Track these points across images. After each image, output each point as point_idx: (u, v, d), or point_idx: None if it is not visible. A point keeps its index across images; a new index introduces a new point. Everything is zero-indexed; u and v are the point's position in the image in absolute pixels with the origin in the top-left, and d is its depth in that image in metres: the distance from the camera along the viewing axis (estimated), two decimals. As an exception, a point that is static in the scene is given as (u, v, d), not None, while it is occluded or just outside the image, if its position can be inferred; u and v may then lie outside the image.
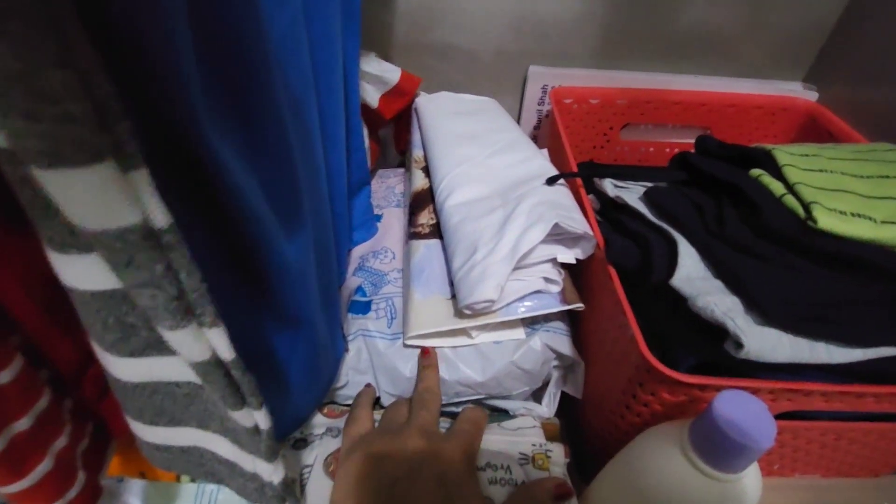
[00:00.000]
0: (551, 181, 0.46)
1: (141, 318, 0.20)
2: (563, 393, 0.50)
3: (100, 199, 0.14)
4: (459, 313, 0.44)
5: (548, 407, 0.51)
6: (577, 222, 0.42)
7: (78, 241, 0.18)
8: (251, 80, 0.20)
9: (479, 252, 0.43)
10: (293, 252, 0.24)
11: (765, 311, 0.30)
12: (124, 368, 0.24)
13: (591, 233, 0.41)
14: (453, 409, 0.50)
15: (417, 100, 0.62)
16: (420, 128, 0.60)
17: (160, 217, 0.15)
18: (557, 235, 0.43)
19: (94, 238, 0.15)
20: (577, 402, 0.49)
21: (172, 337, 0.18)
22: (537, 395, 0.52)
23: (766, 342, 0.29)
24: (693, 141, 0.67)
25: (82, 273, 0.19)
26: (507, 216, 0.44)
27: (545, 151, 0.56)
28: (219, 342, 0.18)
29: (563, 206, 0.43)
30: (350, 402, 0.49)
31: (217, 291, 0.19)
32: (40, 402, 0.24)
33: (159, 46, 0.15)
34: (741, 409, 0.29)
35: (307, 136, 0.30)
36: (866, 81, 0.57)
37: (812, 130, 0.62)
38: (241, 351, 0.23)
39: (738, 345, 0.29)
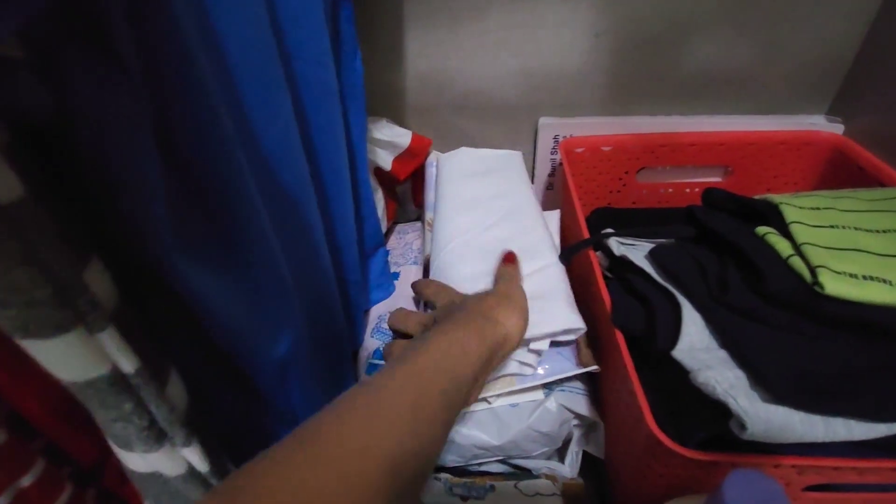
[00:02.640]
0: (565, 259, 0.47)
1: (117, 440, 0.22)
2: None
3: (68, 359, 0.16)
4: None
5: (570, 467, 0.50)
6: (557, 318, 0.43)
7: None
8: (232, 209, 0.22)
9: None
10: (282, 350, 0.25)
11: (771, 386, 0.28)
12: (136, 461, 0.26)
13: (573, 326, 0.43)
14: (475, 467, 0.50)
15: (440, 157, 0.64)
16: (435, 188, 0.61)
17: (126, 364, 0.17)
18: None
19: (69, 386, 0.18)
20: (603, 461, 0.48)
21: (148, 457, 0.19)
22: (562, 453, 0.51)
23: (773, 422, 0.28)
24: (715, 180, 0.67)
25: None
26: None
27: (554, 214, 0.56)
28: (193, 458, 0.20)
29: (542, 304, 0.43)
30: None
31: (206, 396, 0.21)
32: (62, 497, 0.26)
33: (131, 199, 0.17)
34: (753, 491, 0.27)
35: (303, 231, 0.31)
36: (894, 111, 0.55)
37: (840, 164, 0.59)
38: (236, 445, 0.25)
39: (742, 426, 0.28)
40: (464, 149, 0.65)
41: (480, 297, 0.38)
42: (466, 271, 0.48)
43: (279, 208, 0.27)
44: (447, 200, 0.57)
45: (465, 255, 0.50)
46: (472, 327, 0.32)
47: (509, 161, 0.64)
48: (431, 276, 0.51)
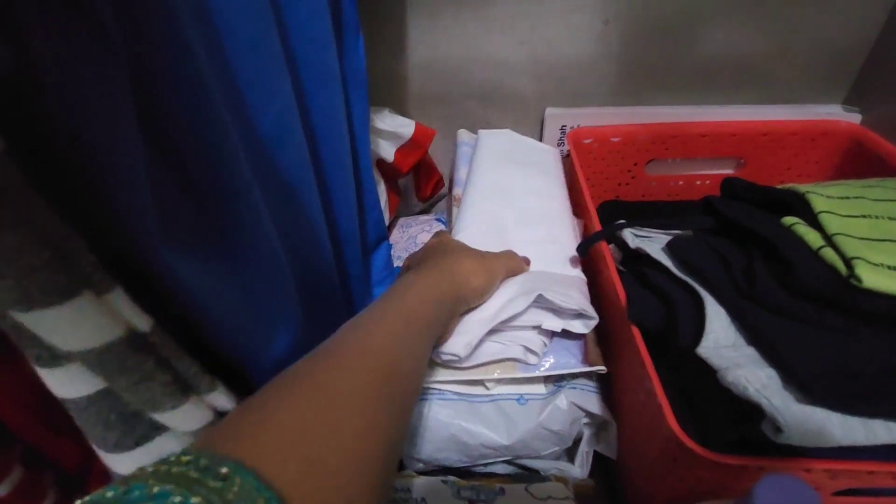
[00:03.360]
0: (582, 250, 0.45)
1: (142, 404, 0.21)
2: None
3: (81, 325, 0.15)
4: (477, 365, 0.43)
5: (581, 468, 0.48)
6: (574, 299, 0.41)
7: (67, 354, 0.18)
8: (225, 198, 0.20)
9: None
10: (279, 350, 0.23)
11: (807, 386, 0.26)
12: (129, 463, 0.25)
13: (588, 311, 0.41)
14: (481, 468, 0.48)
15: (481, 133, 0.62)
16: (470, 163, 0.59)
17: (142, 322, 0.17)
18: (550, 306, 0.43)
19: (80, 356, 0.16)
20: (615, 462, 0.46)
21: (172, 415, 0.19)
22: (571, 453, 0.49)
23: (810, 424, 0.26)
24: (727, 172, 0.65)
25: (75, 381, 0.20)
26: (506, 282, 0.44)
27: (579, 223, 0.54)
28: (220, 400, 0.20)
29: (561, 287, 0.43)
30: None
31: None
32: None
33: (115, 183, 0.15)
34: (787, 497, 0.26)
35: (303, 222, 0.29)
36: (915, 100, 0.53)
37: (858, 155, 0.57)
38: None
39: (777, 428, 0.26)
40: (508, 130, 0.63)
41: (461, 256, 0.41)
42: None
43: (277, 198, 0.25)
44: (481, 182, 0.55)
45: (486, 240, 0.48)
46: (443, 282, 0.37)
47: (548, 158, 0.61)
48: None
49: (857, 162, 0.57)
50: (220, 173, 0.21)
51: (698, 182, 0.65)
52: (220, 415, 0.22)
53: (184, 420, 0.21)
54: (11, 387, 0.20)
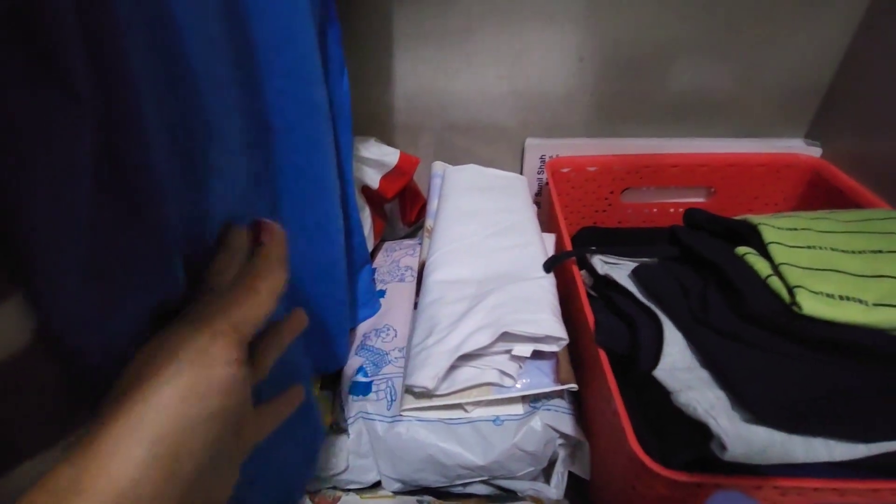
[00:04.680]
0: (547, 267, 0.47)
1: None
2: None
3: None
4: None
5: (556, 488, 0.49)
6: (542, 324, 0.42)
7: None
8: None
9: (431, 337, 0.44)
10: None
11: (752, 407, 0.28)
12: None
13: (556, 334, 0.42)
14: (459, 489, 0.49)
15: (447, 169, 0.65)
16: (439, 197, 0.62)
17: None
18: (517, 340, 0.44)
19: None
20: (589, 482, 0.47)
21: None
22: (548, 473, 0.50)
23: (754, 442, 0.28)
24: (699, 200, 0.68)
25: None
26: (469, 309, 0.45)
27: (551, 237, 0.57)
28: None
29: (529, 307, 0.44)
30: (352, 486, 0.48)
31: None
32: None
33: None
34: (735, 512, 0.27)
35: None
36: (868, 135, 0.56)
37: (819, 186, 0.61)
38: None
39: (723, 446, 0.28)
40: (472, 165, 0.66)
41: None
42: (453, 273, 0.49)
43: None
44: (449, 209, 0.58)
45: (456, 258, 0.50)
46: None
47: (514, 183, 0.65)
48: (423, 278, 0.52)
49: (818, 193, 0.61)
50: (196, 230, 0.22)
51: (672, 210, 0.68)
52: None
53: None
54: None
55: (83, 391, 0.19)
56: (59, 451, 0.18)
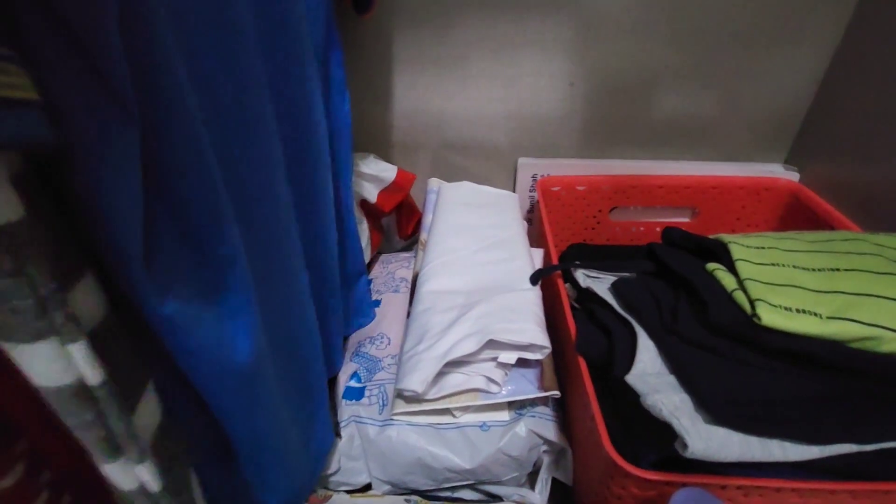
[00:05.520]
0: (533, 280, 0.50)
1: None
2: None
3: (40, 365, 0.18)
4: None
5: (540, 494, 0.51)
6: (526, 333, 0.45)
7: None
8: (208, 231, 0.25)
9: (422, 344, 0.47)
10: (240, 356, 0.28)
11: (712, 409, 0.31)
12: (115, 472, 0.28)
13: (539, 343, 0.45)
14: (447, 494, 0.51)
15: (442, 185, 0.69)
16: (434, 211, 0.65)
17: (92, 377, 0.19)
18: (503, 348, 0.46)
19: (41, 390, 0.20)
20: (572, 488, 0.49)
21: (106, 468, 0.21)
22: (533, 479, 0.52)
23: (713, 442, 0.30)
24: (683, 220, 0.71)
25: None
26: (458, 318, 0.48)
27: (539, 252, 0.59)
28: (144, 475, 0.22)
29: (514, 317, 0.47)
30: (342, 487, 0.50)
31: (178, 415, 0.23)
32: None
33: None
34: (697, 508, 0.29)
35: (288, 262, 0.34)
36: (843, 161, 0.59)
37: (796, 208, 0.64)
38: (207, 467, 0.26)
39: (684, 444, 0.30)
40: (466, 182, 0.69)
41: None
42: (444, 284, 0.52)
43: (263, 246, 0.29)
44: (443, 223, 0.61)
45: (448, 270, 0.53)
46: None
47: (506, 200, 0.68)
48: (416, 288, 0.54)
49: (795, 215, 0.64)
50: (213, 231, 0.25)
51: (658, 228, 0.71)
52: (142, 488, 0.23)
53: (113, 477, 0.22)
54: (19, 382, 0.24)
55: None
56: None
